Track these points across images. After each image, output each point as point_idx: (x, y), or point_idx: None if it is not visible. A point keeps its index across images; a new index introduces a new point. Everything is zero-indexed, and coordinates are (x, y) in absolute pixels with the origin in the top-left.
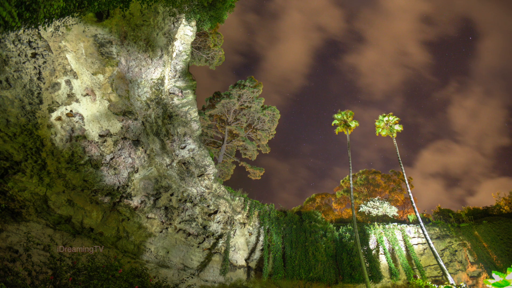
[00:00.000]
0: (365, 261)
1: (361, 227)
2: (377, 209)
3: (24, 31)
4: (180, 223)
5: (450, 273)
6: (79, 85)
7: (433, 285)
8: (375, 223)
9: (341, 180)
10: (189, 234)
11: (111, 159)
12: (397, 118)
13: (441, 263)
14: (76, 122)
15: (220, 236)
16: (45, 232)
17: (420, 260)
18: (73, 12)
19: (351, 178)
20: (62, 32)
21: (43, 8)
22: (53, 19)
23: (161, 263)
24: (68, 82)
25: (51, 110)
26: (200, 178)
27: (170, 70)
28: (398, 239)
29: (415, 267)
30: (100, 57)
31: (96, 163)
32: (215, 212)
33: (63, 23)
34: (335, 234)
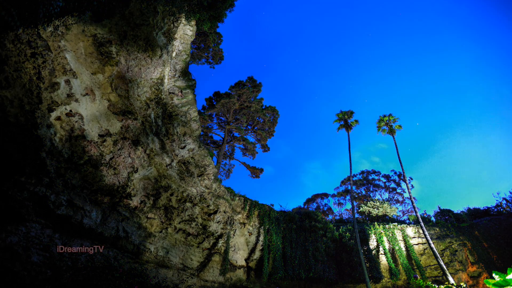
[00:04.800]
0: (365, 261)
1: (361, 227)
2: (377, 209)
3: (23, 30)
4: (180, 223)
5: (450, 273)
6: (78, 85)
7: (433, 285)
8: (375, 223)
9: (341, 180)
10: (189, 234)
11: (111, 159)
12: (397, 118)
13: (441, 263)
14: (76, 122)
15: (220, 236)
16: (44, 232)
17: (420, 260)
18: (72, 11)
19: (351, 178)
20: (62, 32)
21: (43, 8)
22: (53, 19)
23: (160, 263)
24: (67, 82)
25: (51, 110)
26: (200, 178)
27: (170, 70)
28: (398, 239)
29: (415, 267)
30: (100, 56)
31: (95, 163)
32: (215, 212)
33: (63, 22)
34: (335, 234)
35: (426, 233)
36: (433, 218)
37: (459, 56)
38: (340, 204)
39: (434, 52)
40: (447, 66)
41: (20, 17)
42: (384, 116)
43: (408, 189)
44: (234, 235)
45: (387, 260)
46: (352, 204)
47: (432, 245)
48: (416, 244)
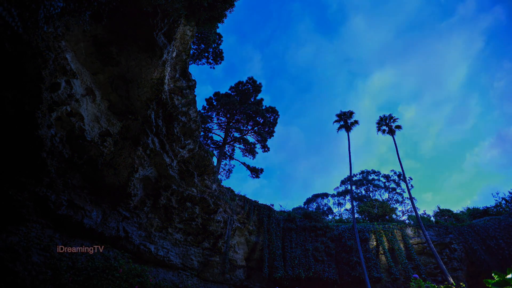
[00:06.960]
0: (365, 260)
1: (360, 227)
2: (377, 209)
3: (24, 31)
4: (180, 223)
5: (449, 273)
6: (79, 85)
7: (433, 284)
8: (375, 223)
9: (341, 180)
10: (189, 234)
11: (111, 159)
12: (396, 118)
13: (441, 262)
14: (76, 122)
15: (220, 236)
16: (45, 232)
17: (420, 260)
18: (73, 12)
19: (351, 178)
20: (62, 32)
21: (43, 8)
22: (53, 19)
23: (161, 263)
24: (68, 82)
25: (51, 110)
26: (200, 178)
27: (170, 70)
28: (397, 239)
29: (414, 267)
30: (100, 57)
31: (96, 163)
32: (215, 212)
33: (63, 23)
34: (335, 234)
35: (426, 232)
36: (432, 218)
37: None
38: (340, 204)
39: None
40: None
41: (21, 17)
42: (384, 116)
43: (408, 189)
44: (234, 235)
45: (387, 260)
46: (352, 204)
47: (432, 245)
48: (416, 244)
